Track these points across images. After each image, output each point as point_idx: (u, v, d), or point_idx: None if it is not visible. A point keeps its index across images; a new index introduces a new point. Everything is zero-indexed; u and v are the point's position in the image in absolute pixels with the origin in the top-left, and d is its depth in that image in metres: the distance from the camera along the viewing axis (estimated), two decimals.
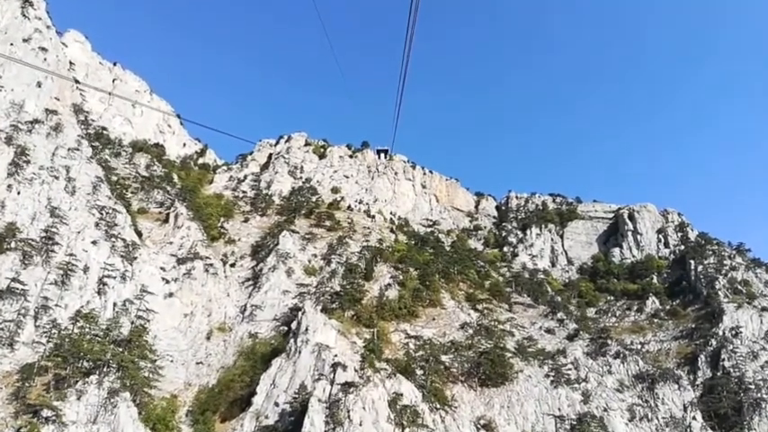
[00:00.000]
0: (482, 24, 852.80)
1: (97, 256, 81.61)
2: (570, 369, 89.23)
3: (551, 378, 78.46)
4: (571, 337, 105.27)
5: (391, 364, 69.70)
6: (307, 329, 73.23)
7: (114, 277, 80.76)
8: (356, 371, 63.76)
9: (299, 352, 71.48)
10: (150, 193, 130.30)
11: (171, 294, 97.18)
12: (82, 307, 70.72)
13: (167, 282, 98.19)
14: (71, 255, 76.16)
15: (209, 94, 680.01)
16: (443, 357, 77.53)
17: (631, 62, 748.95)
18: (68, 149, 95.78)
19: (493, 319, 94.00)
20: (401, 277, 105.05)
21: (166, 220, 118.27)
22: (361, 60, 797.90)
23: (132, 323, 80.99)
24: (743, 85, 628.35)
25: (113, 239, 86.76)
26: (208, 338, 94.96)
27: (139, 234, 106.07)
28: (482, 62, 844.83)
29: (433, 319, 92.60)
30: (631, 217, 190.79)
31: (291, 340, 74.55)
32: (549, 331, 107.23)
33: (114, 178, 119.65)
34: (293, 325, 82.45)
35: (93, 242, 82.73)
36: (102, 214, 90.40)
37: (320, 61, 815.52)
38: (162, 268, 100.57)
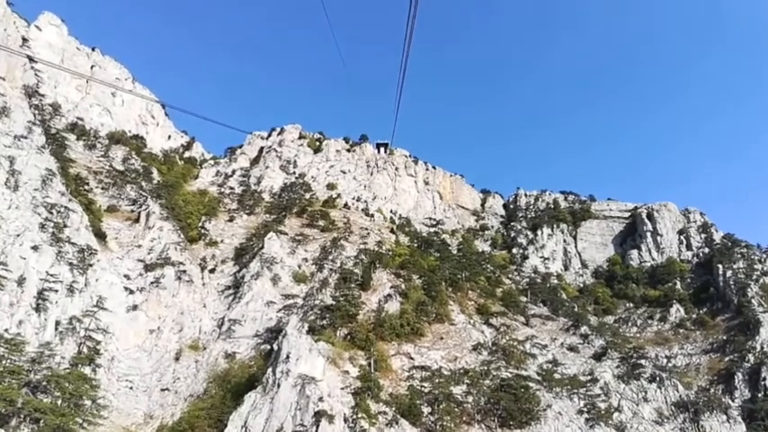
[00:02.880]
0: (487, 18, 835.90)
1: (37, 264, 67.65)
2: (601, 397, 75.78)
3: (585, 414, 64.68)
4: (598, 357, 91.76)
5: (392, 404, 56.01)
6: (288, 357, 59.44)
7: (56, 290, 66.77)
8: (347, 420, 50.09)
9: (278, 385, 57.72)
10: (123, 189, 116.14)
11: (135, 307, 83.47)
12: (6, 330, 56.75)
13: (131, 292, 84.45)
14: (1, 264, 62.25)
15: (197, 86, 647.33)
16: (455, 389, 63.75)
17: (643, 54, 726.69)
18: (15, 137, 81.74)
19: (511, 338, 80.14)
20: (403, 287, 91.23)
21: (138, 220, 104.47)
22: (361, 51, 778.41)
23: (80, 345, 67.41)
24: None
25: (60, 244, 72.77)
26: (177, 359, 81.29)
27: (102, 236, 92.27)
28: (485, 57, 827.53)
29: (441, 339, 78.81)
30: (650, 216, 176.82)
31: (269, 370, 60.80)
32: (572, 349, 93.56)
33: (74, 172, 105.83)
34: (275, 346, 68.92)
35: (34, 247, 68.78)
36: (51, 213, 76.47)
37: (318, 53, 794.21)
38: (126, 276, 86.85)
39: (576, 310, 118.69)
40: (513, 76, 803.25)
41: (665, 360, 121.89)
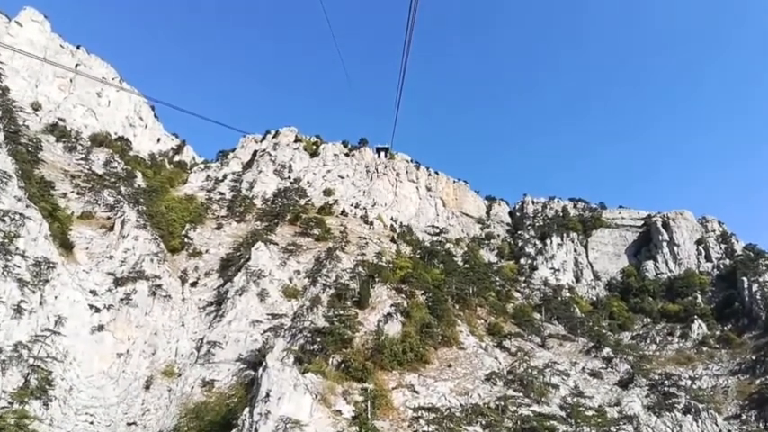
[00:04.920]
0: (491, 16, 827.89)
1: None
2: None
3: None
4: (624, 384, 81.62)
5: None
6: (268, 395, 49.36)
7: None
8: None
9: (256, 431, 47.61)
10: (100, 194, 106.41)
11: (101, 327, 73.54)
12: None
13: (97, 310, 74.52)
14: None
15: (190, 90, 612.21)
16: (469, 430, 53.61)
17: (650, 56, 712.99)
18: None
19: (529, 365, 69.96)
20: (405, 304, 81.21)
21: (113, 228, 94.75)
22: (361, 54, 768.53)
23: (27, 376, 57.43)
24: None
25: (9, 257, 62.90)
26: (147, 387, 71.22)
27: (69, 246, 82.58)
28: (488, 59, 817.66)
29: (449, 366, 68.62)
30: (666, 225, 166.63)
31: (246, 410, 50.69)
32: (594, 374, 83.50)
33: (47, 174, 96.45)
34: (258, 373, 58.85)
35: None
36: (2, 222, 66.69)
37: (316, 56, 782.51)
38: (93, 292, 76.93)
39: (594, 328, 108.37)
40: (518, 81, 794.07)
41: (689, 381, 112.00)
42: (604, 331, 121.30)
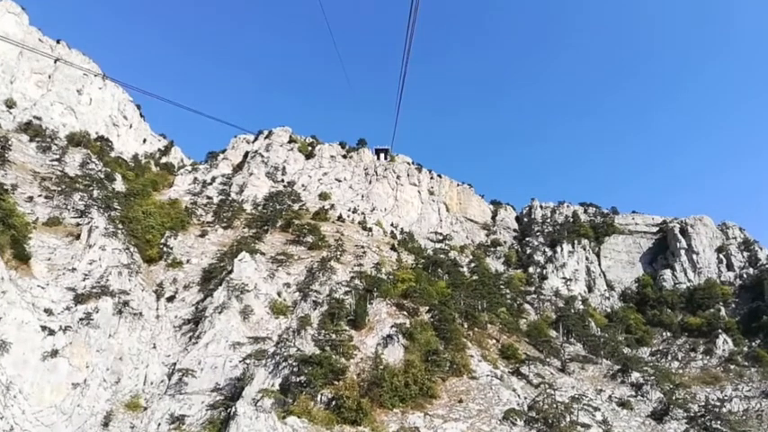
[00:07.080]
0: (493, 18, 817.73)
1: None
2: None
3: None
4: (659, 416, 71.19)
5: None
6: None
7: None
8: None
9: None
10: (70, 198, 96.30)
11: (55, 353, 62.99)
12: None
13: (51, 333, 64.01)
14: None
15: (179, 90, 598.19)
16: None
17: (655, 53, 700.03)
18: None
19: (554, 401, 59.54)
20: (408, 324, 70.90)
21: (81, 237, 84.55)
22: (361, 53, 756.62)
23: None
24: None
25: None
26: (106, 425, 60.69)
27: (26, 258, 72.25)
28: (490, 61, 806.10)
29: (460, 401, 58.21)
30: (684, 232, 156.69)
31: None
32: (623, 404, 73.02)
33: (12, 176, 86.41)
34: (231, 411, 48.48)
35: None
36: None
37: (312, 54, 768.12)
38: (48, 311, 66.58)
39: (618, 348, 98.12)
40: (520, 81, 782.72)
41: (717, 404, 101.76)
42: (626, 349, 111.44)
